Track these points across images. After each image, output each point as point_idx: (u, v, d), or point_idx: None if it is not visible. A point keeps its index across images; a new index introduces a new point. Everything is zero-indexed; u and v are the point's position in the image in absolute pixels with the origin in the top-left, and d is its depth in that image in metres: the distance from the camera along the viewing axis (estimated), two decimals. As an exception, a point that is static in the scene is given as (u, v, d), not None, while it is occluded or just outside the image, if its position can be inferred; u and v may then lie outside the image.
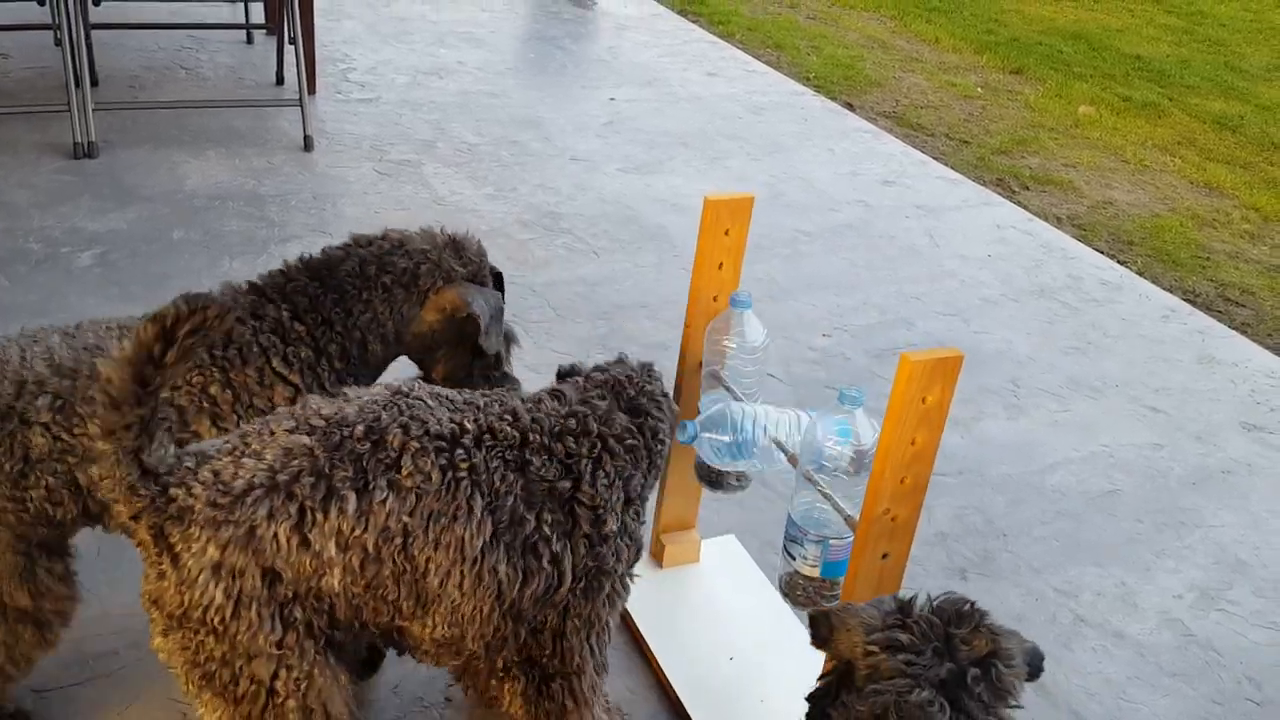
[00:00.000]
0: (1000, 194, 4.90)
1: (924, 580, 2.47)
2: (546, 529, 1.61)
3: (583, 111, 5.11)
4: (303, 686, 1.50)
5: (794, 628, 2.27)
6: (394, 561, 1.50)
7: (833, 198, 4.53)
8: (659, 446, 1.80)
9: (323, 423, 1.53)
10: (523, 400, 1.72)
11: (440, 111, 4.89)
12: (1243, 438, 3.21)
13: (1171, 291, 4.18)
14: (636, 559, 1.79)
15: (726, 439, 1.95)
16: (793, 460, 1.89)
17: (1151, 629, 2.44)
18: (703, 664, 2.16)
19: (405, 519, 1.50)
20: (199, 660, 1.47)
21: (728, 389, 2.07)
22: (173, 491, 1.44)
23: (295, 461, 1.48)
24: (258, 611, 1.44)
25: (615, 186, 4.40)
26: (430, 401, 1.62)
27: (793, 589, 1.92)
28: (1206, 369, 3.58)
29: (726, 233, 2.08)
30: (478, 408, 1.65)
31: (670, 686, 2.11)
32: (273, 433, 1.52)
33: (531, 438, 1.64)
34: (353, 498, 1.48)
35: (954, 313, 3.76)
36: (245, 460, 1.48)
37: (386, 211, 3.96)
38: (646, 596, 2.30)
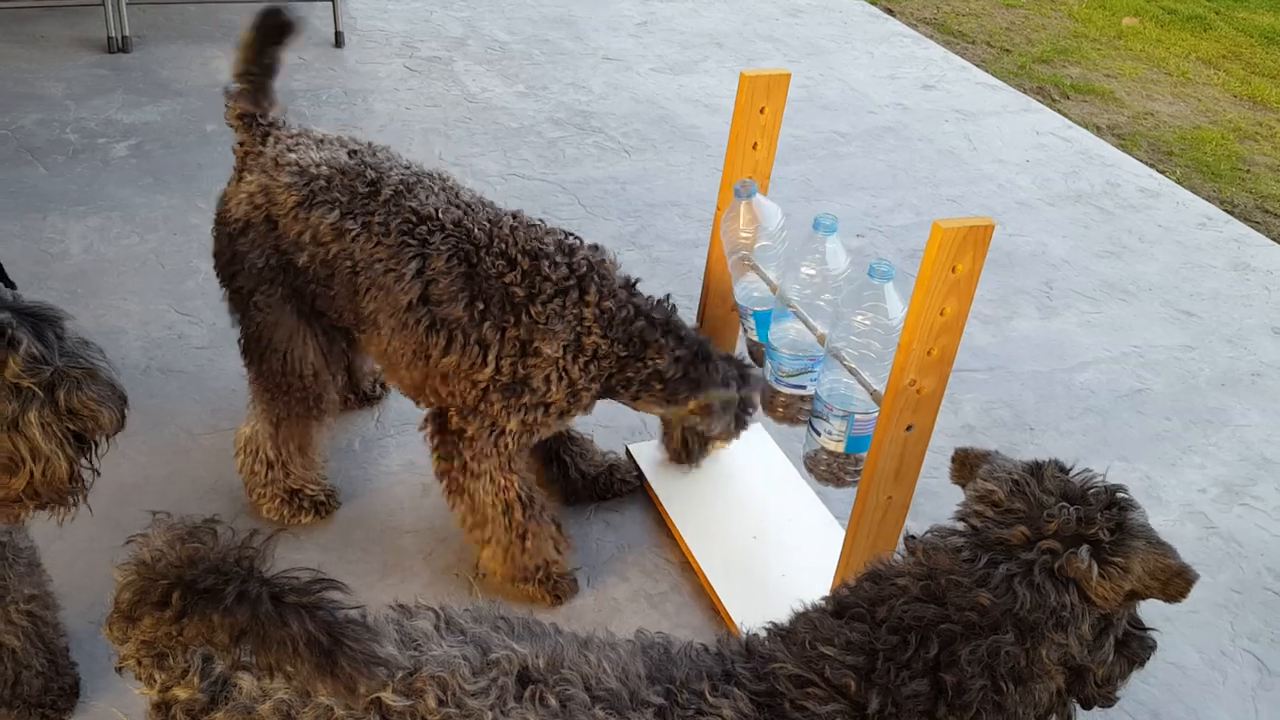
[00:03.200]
0: (1040, 101, 4.80)
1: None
2: (479, 316, 1.88)
3: (616, 11, 5.04)
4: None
5: (813, 504, 2.31)
6: (342, 276, 1.92)
7: (871, 100, 4.46)
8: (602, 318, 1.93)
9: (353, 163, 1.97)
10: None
11: (471, 9, 4.83)
12: (1273, 342, 3.18)
13: (1210, 201, 4.11)
14: (571, 412, 1.98)
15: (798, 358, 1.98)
16: (820, 338, 1.90)
17: (1174, 520, 2.46)
18: (727, 542, 2.20)
19: (358, 250, 1.90)
20: None
21: (761, 275, 2.07)
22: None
23: (325, 170, 1.95)
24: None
25: (648, 86, 4.36)
26: (439, 191, 1.98)
27: (815, 465, 1.95)
28: (1240, 276, 3.54)
29: (762, 110, 2.06)
30: (480, 208, 1.98)
31: (697, 564, 2.15)
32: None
33: (497, 245, 1.90)
34: (335, 213, 1.91)
35: (990, 215, 3.71)
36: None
37: (417, 108, 3.95)
38: (672, 478, 2.34)
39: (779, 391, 2.04)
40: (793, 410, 2.06)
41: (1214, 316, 3.28)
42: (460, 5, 4.85)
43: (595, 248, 1.99)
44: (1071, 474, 1.29)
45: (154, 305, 2.75)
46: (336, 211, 1.91)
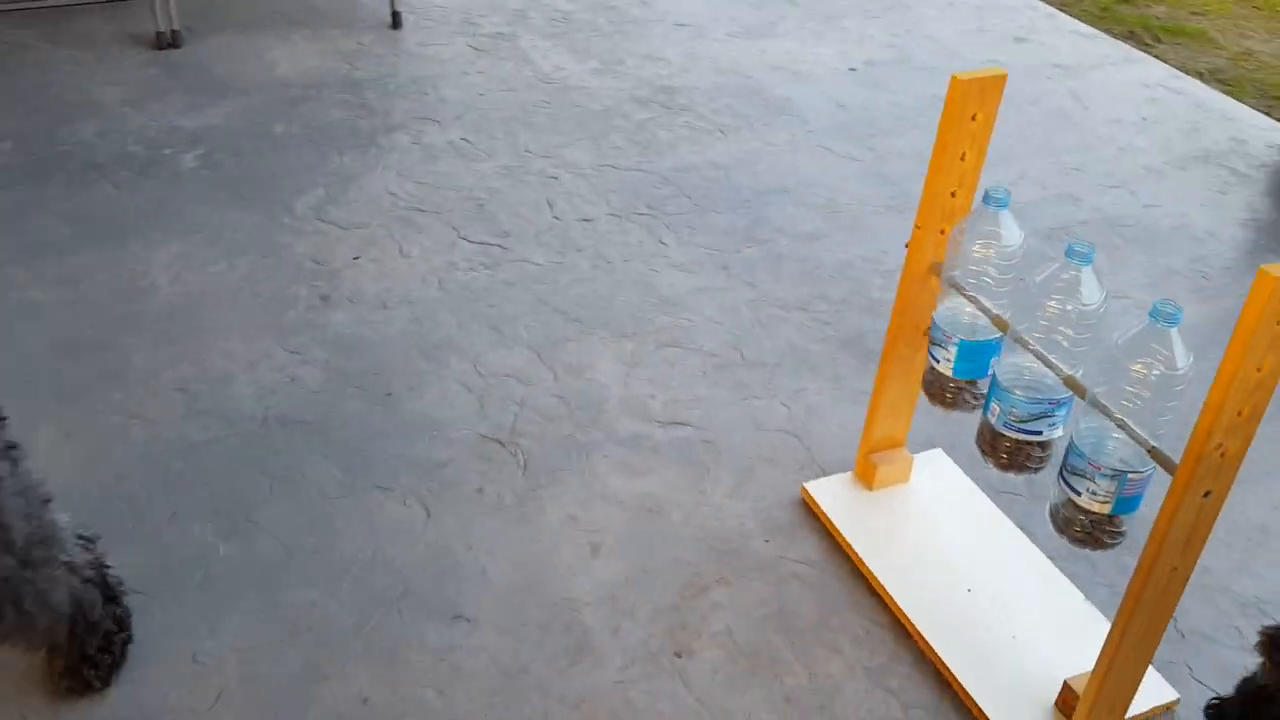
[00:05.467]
0: (1136, 48, 4.51)
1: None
2: None
3: (679, -28, 4.73)
4: None
5: (1030, 552, 2.09)
6: None
7: (964, 58, 4.17)
8: None
9: None
10: None
11: (529, -22, 4.53)
12: None
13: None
14: None
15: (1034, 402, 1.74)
16: (1077, 388, 1.66)
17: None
18: (940, 599, 1.98)
19: None
20: None
21: (970, 298, 1.83)
22: None
23: None
24: None
25: (728, 54, 4.07)
26: None
27: (1069, 525, 1.72)
28: (1401, 238, 3.28)
29: (974, 118, 1.81)
30: None
31: (913, 627, 1.94)
32: None
33: None
34: None
35: (1118, 184, 3.45)
36: None
37: (491, 93, 3.67)
38: (861, 522, 2.12)
39: (1004, 435, 1.81)
40: (1019, 458, 1.83)
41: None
42: (515, -27, 4.54)
43: None
44: None
45: (258, 343, 2.51)
46: None
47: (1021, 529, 2.15)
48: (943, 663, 1.88)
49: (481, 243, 2.93)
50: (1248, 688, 1.30)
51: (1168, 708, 1.86)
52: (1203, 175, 3.55)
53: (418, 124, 3.47)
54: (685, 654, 1.89)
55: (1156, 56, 4.47)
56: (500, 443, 2.30)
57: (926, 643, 1.91)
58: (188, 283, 2.69)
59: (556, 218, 3.06)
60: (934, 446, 2.32)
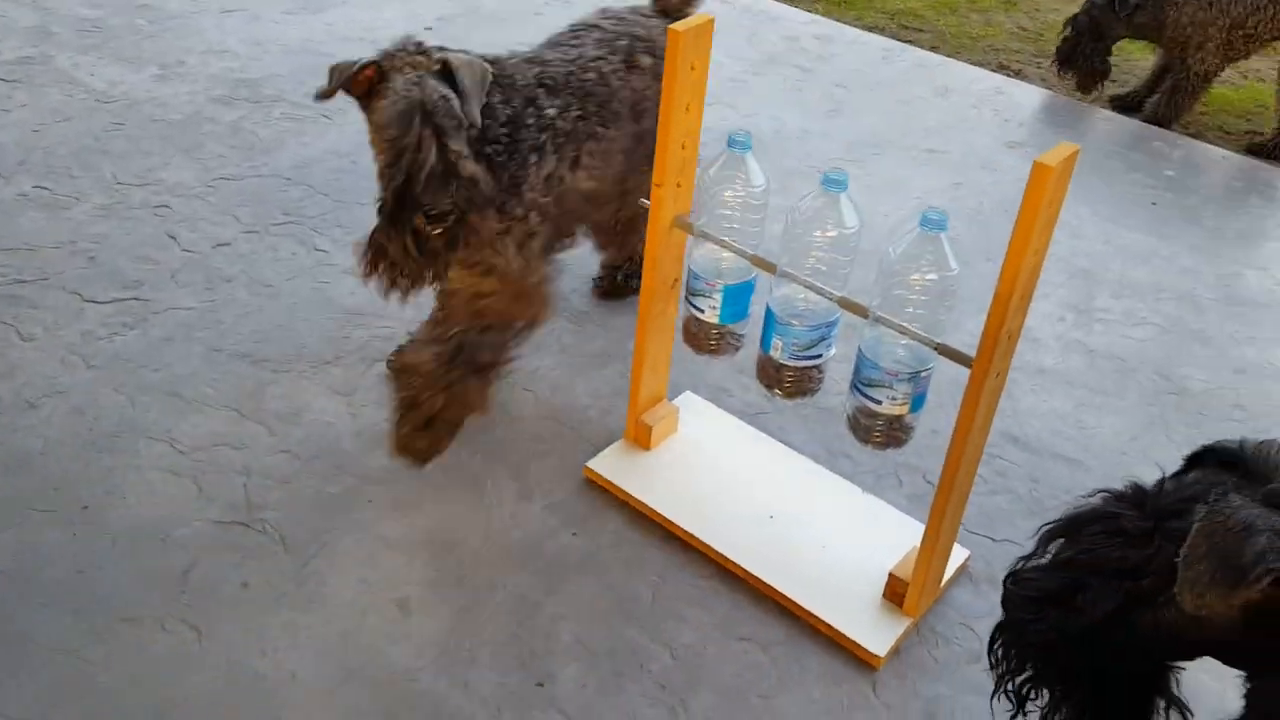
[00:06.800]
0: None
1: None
2: None
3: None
4: None
5: (800, 462, 2.20)
6: None
7: (534, 2, 4.16)
8: None
9: None
10: None
11: (27, -17, 3.86)
12: (1013, 157, 3.44)
13: (863, 31, 4.31)
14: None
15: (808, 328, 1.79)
16: (858, 309, 1.74)
17: (1060, 356, 2.62)
18: (749, 532, 2.03)
19: None
20: None
21: (726, 244, 1.85)
22: None
23: None
24: None
25: (293, 33, 3.75)
26: None
27: (870, 431, 1.82)
28: (948, 101, 3.77)
29: (693, 67, 1.80)
30: None
31: (736, 566, 1.97)
32: None
33: None
34: None
35: (716, 100, 3.65)
36: None
37: (49, 127, 3.11)
38: (652, 484, 2.11)
39: (789, 367, 1.87)
40: (804, 383, 1.90)
41: (956, 148, 3.49)
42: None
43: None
44: None
45: None
46: None
47: (785, 444, 2.25)
48: (778, 593, 1.94)
49: (113, 300, 2.51)
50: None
51: (963, 566, 2.05)
52: (778, 79, 3.84)
53: (-37, 181, 2.87)
54: (547, 680, 1.79)
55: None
56: (243, 524, 2.01)
57: (756, 579, 1.96)
58: None
59: (187, 250, 2.69)
60: (680, 391, 2.35)
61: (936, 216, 1.63)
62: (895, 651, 1.88)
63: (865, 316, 1.73)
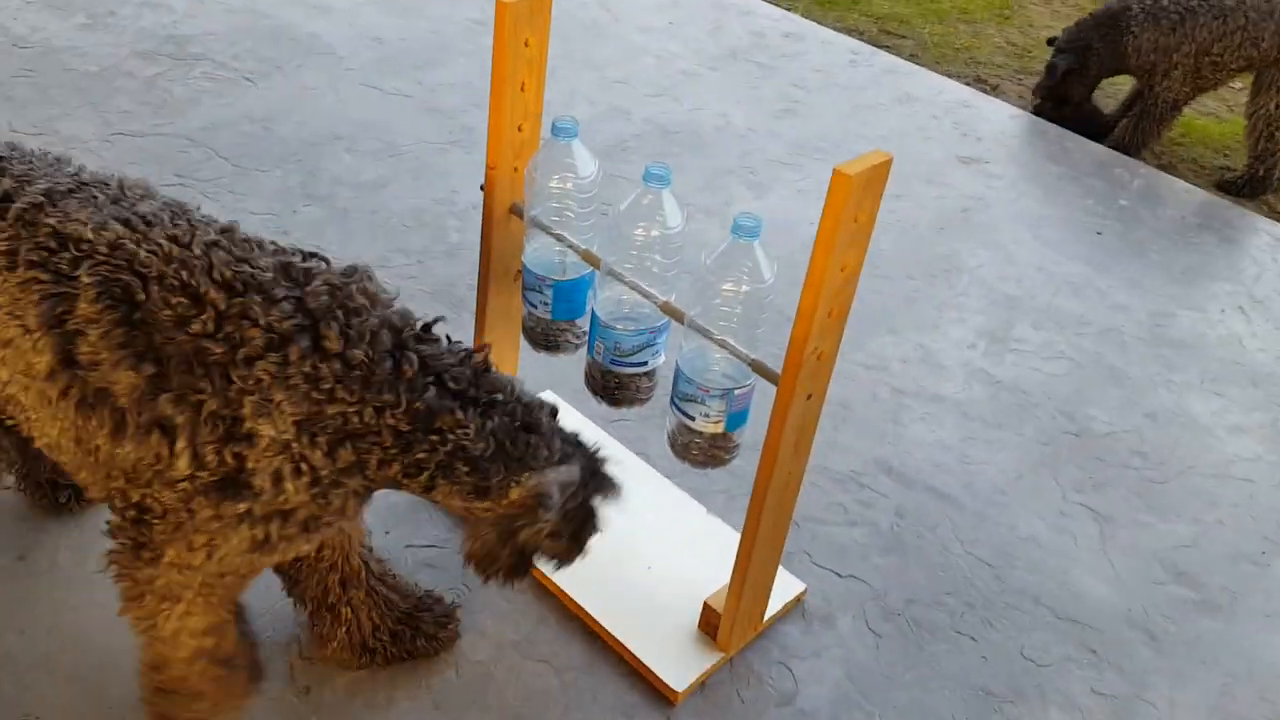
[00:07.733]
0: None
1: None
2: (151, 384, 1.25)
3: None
4: None
5: (649, 475, 2.07)
6: None
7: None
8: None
9: None
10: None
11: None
12: (965, 173, 3.28)
13: (840, 32, 4.15)
14: (322, 521, 1.35)
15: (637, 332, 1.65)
16: (675, 313, 1.61)
17: (962, 385, 2.47)
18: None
19: None
20: None
21: (556, 235, 1.72)
22: None
23: None
24: None
25: (240, -6, 3.66)
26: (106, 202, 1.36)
27: (688, 450, 1.69)
28: (908, 109, 3.62)
29: (527, 43, 1.67)
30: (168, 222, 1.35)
31: (548, 581, 1.84)
32: None
33: (176, 276, 1.28)
34: None
35: (662, 92, 3.51)
36: None
37: (-48, 65, 3.03)
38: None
39: (613, 372, 1.74)
40: (629, 391, 1.77)
41: (904, 158, 3.33)
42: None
43: (350, 270, 1.36)
44: None
45: None
46: None
47: (639, 454, 2.13)
48: (586, 613, 1.81)
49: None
50: None
51: (798, 600, 1.92)
52: (734, 73, 3.70)
53: None
54: (315, 686, 1.67)
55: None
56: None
57: (567, 596, 1.83)
58: None
59: (66, 205, 2.59)
60: (541, 389, 2.23)
61: (749, 223, 1.49)
62: (699, 687, 1.74)
63: (681, 321, 1.59)
